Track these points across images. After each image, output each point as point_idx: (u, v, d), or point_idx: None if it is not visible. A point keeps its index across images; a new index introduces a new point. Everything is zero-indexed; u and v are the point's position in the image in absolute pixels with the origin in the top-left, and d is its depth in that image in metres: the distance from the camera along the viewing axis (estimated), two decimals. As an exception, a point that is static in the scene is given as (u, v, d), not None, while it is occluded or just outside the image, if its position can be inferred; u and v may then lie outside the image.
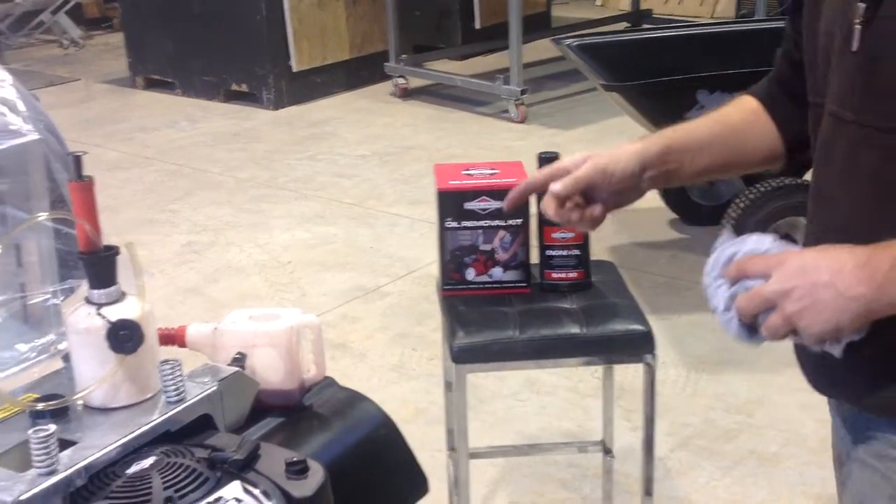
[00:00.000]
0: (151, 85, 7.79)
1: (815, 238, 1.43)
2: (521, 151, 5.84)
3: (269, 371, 1.74)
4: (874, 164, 1.32)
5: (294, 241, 4.93)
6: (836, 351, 1.26)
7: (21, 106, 1.64)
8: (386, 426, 1.80)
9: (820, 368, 1.44)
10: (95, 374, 1.55)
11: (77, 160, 1.55)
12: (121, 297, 1.57)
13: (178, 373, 1.58)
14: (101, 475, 1.44)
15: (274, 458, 1.49)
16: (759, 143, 1.67)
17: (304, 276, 4.46)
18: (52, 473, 1.40)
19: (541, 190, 1.59)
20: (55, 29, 9.55)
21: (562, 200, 1.56)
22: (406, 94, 7.30)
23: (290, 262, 4.65)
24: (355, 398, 1.83)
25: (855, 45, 1.34)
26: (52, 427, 1.41)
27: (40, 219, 1.59)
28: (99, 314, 1.54)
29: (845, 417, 1.48)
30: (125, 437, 1.49)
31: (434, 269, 2.77)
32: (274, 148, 6.44)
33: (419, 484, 1.80)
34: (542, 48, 7.18)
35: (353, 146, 6.36)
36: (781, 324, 1.28)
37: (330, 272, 4.55)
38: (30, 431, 1.41)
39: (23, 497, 1.36)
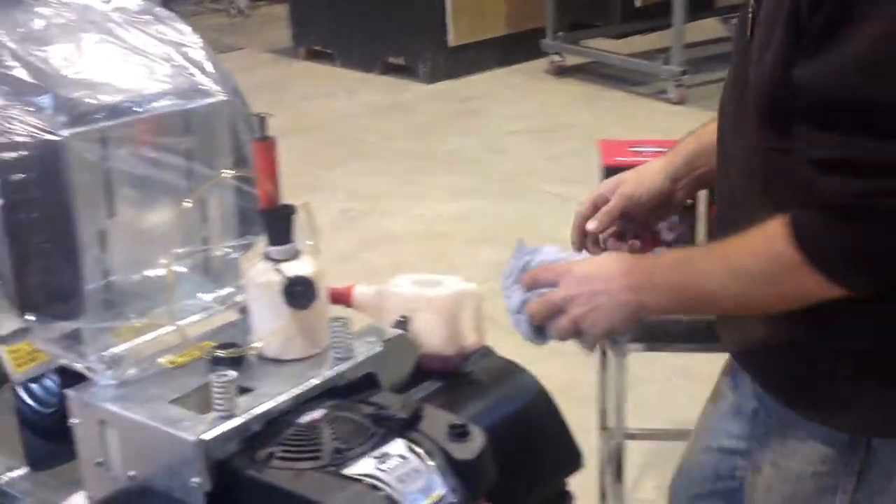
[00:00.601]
0: (312, 56, 7.99)
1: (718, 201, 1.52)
2: (677, 133, 5.72)
3: (430, 335, 1.78)
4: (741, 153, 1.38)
5: (447, 214, 4.99)
6: (617, 351, 1.39)
7: (209, 67, 1.72)
8: (542, 398, 1.81)
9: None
10: (270, 326, 1.62)
11: (262, 120, 1.62)
12: (296, 254, 1.63)
13: (346, 330, 1.64)
14: (275, 423, 1.51)
15: (436, 421, 1.53)
16: None
17: (455, 248, 4.52)
18: (230, 417, 1.47)
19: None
20: (222, -1, 9.90)
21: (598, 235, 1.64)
22: (561, 71, 7.26)
23: (442, 233, 4.72)
24: (512, 368, 1.85)
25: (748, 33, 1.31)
26: (233, 373, 1.49)
27: (226, 176, 1.67)
28: (276, 269, 1.60)
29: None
30: (297, 388, 1.56)
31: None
32: (428, 121, 6.52)
33: (573, 458, 1.81)
34: (702, 29, 7.01)
35: (507, 122, 6.38)
36: (568, 326, 1.49)
37: (481, 246, 4.59)
38: (212, 376, 1.48)
39: (204, 436, 1.43)
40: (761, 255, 1.25)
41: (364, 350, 1.65)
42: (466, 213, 4.98)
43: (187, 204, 1.61)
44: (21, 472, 2.22)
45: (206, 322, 1.76)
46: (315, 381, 1.57)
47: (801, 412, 1.33)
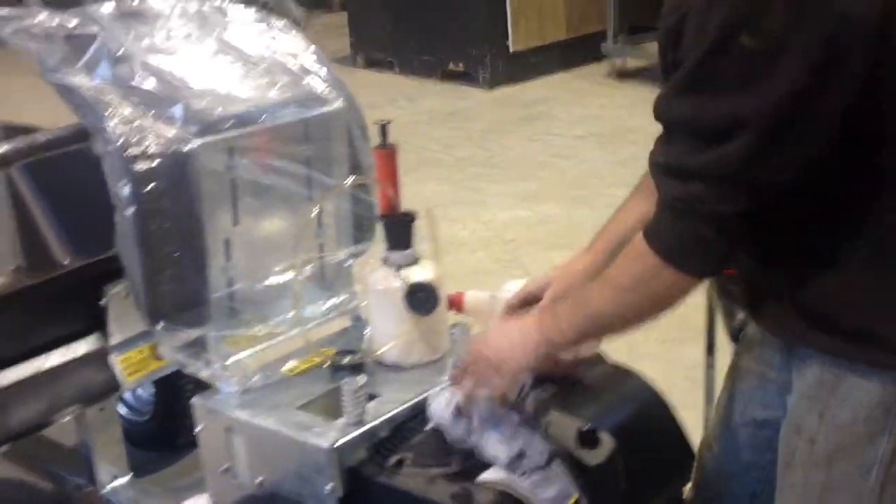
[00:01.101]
0: (371, 64, 8.01)
1: None
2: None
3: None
4: None
5: (515, 220, 4.96)
6: None
7: (325, 74, 1.73)
8: (657, 402, 1.79)
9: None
10: (391, 332, 1.62)
11: (384, 127, 1.63)
12: (416, 260, 1.64)
13: (469, 336, 1.64)
14: (402, 428, 1.51)
15: (564, 426, 1.52)
16: None
17: (527, 253, 4.50)
18: (360, 423, 1.48)
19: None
20: (278, 9, 9.97)
21: None
22: (623, 74, 7.21)
23: (512, 239, 4.70)
24: (625, 373, 1.84)
25: None
26: (363, 380, 1.49)
27: (348, 184, 1.67)
28: (397, 276, 1.61)
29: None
30: (421, 394, 1.56)
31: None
32: (489, 127, 6.51)
33: (689, 463, 1.79)
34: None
35: (569, 127, 6.35)
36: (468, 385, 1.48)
37: (551, 251, 4.56)
38: (342, 383, 1.49)
39: (337, 444, 1.44)
40: (628, 265, 1.37)
41: (484, 356, 1.64)
42: (534, 219, 4.96)
43: (315, 211, 1.62)
44: (124, 479, 2.26)
45: (320, 329, 1.77)
46: (438, 388, 1.57)
47: (854, 359, 1.35)
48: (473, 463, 1.44)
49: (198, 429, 1.62)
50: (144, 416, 2.63)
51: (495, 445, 1.42)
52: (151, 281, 1.51)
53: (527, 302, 1.60)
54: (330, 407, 1.53)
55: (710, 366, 2.58)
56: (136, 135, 1.47)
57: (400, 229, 1.62)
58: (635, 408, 1.78)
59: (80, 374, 1.97)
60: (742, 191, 1.25)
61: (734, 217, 1.26)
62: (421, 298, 1.58)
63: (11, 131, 2.30)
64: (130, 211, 1.47)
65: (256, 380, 1.61)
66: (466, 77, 7.74)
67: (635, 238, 1.36)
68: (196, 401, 1.61)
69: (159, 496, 2.18)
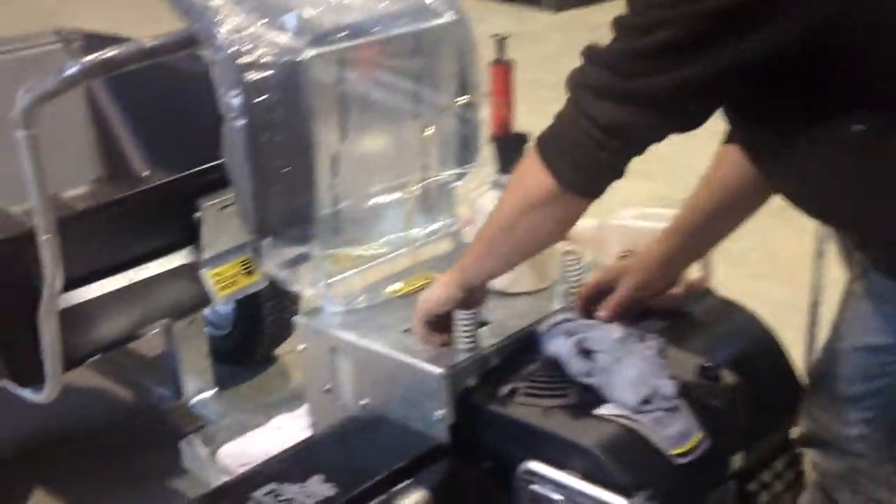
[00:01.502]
0: (434, -18, 7.87)
1: None
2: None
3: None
4: None
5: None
6: None
7: (434, -14, 1.65)
8: (768, 337, 1.73)
9: None
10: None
11: (501, 42, 1.55)
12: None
13: (580, 264, 1.58)
14: (514, 357, 1.47)
15: (685, 364, 1.47)
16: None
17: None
18: (472, 349, 1.43)
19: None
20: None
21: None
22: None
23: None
24: (735, 308, 1.77)
25: None
26: (475, 308, 1.44)
27: (459, 102, 1.61)
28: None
29: None
30: (532, 322, 1.51)
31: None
32: (556, 50, 6.36)
33: (798, 400, 1.73)
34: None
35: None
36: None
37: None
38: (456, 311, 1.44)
39: (450, 369, 1.39)
40: (517, 176, 1.33)
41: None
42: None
43: (424, 130, 1.56)
44: (210, 393, 2.25)
45: (423, 252, 1.72)
46: (551, 318, 1.52)
47: None
48: (590, 396, 1.39)
49: (300, 347, 1.59)
50: (223, 330, 2.61)
51: (623, 388, 1.36)
52: (260, 195, 1.46)
53: (601, 293, 1.53)
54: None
55: (816, 303, 2.46)
56: (248, 43, 1.40)
57: (513, 151, 1.56)
58: (747, 343, 1.72)
59: (172, 288, 1.94)
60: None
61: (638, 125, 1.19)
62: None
63: (101, 40, 2.25)
64: (241, 123, 1.42)
65: (361, 300, 1.57)
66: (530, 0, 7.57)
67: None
68: (299, 319, 1.57)
69: (246, 410, 2.16)
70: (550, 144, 1.26)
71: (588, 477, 1.32)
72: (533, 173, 1.26)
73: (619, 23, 1.22)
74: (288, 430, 1.87)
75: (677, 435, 1.36)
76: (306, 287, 1.57)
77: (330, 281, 1.57)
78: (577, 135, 1.21)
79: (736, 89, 1.21)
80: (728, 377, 1.45)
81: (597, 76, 1.21)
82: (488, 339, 1.47)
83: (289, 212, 1.50)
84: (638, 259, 1.52)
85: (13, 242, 1.70)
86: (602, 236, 1.75)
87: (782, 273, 3.11)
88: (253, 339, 2.57)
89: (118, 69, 1.51)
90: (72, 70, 1.51)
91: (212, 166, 1.80)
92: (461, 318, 1.42)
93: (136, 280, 1.87)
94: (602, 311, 1.49)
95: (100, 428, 2.43)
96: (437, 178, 1.69)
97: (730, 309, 1.76)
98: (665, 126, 1.22)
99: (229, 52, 1.40)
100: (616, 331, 1.43)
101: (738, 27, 1.13)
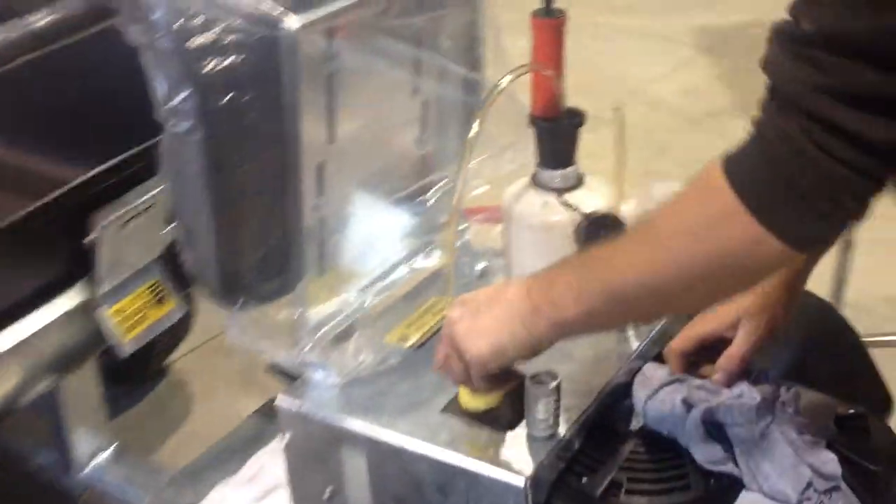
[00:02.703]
0: None
1: None
2: None
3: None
4: None
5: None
6: None
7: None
8: (849, 335, 1.40)
9: None
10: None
11: (549, -13, 1.10)
12: (580, 179, 1.16)
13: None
14: (594, 432, 1.07)
15: (818, 412, 1.10)
16: None
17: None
18: (553, 437, 1.01)
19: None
20: None
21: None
22: None
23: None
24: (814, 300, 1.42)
25: None
26: (555, 375, 1.01)
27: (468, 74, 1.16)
28: (565, 203, 1.12)
29: None
30: (609, 376, 1.10)
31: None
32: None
33: (884, 403, 1.41)
34: None
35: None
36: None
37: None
38: (528, 383, 1.02)
39: (533, 473, 0.98)
40: (692, 202, 0.86)
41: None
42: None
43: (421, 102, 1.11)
44: (108, 453, 1.74)
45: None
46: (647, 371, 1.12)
47: None
48: (719, 483, 1.01)
49: (284, 437, 1.13)
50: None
51: (778, 475, 0.99)
52: (228, 242, 0.99)
53: (703, 346, 1.11)
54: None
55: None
56: (201, 14, 0.91)
57: (560, 137, 1.13)
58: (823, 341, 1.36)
59: (59, 338, 1.43)
60: None
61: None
62: (604, 237, 1.10)
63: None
64: (195, 138, 0.93)
65: (364, 362, 1.12)
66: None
67: (707, 167, 0.85)
68: (282, 401, 1.11)
69: (163, 477, 1.68)
70: (762, 186, 0.80)
71: None
72: (732, 221, 0.82)
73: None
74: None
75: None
76: (290, 355, 1.11)
77: (319, 335, 1.12)
78: (813, 170, 0.78)
79: None
80: (878, 425, 1.10)
81: (843, 72, 0.75)
82: (565, 410, 1.05)
83: (267, 259, 1.03)
84: (757, 294, 1.11)
85: None
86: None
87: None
88: (144, 352, 2.06)
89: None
90: None
91: (109, 168, 1.31)
92: (542, 392, 1.00)
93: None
94: (720, 374, 1.09)
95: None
96: (434, 180, 1.24)
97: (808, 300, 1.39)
98: None
99: (173, 29, 0.90)
100: (749, 393, 1.05)
101: None
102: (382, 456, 1.06)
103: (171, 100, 0.93)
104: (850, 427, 1.08)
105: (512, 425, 1.04)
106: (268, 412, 1.72)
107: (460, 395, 1.06)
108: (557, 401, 1.01)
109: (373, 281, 1.20)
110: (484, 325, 0.96)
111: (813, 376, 1.20)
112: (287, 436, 1.13)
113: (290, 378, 1.67)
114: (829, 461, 1.01)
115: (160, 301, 1.53)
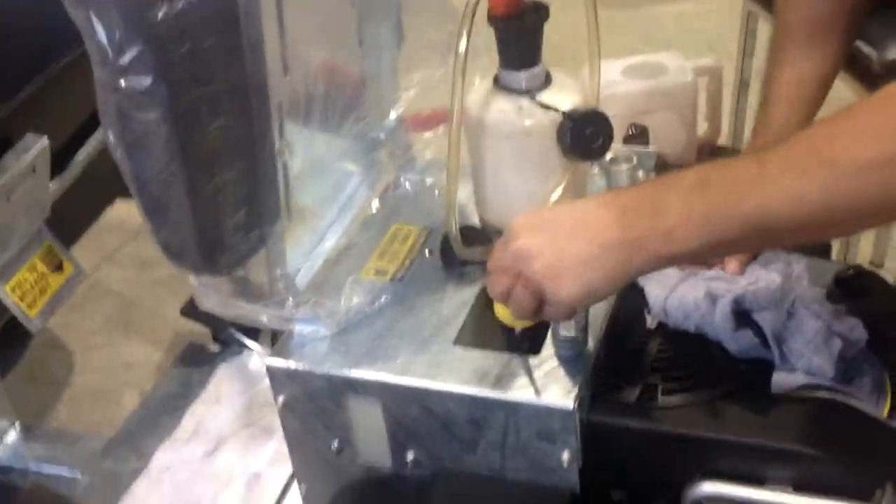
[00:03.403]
0: None
1: None
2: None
3: (666, 143, 1.30)
4: None
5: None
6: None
7: None
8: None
9: None
10: (535, 189, 1.07)
11: None
12: (548, 80, 1.07)
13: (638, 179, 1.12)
14: (619, 338, 1.02)
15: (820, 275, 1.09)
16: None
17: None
18: (585, 352, 0.96)
19: None
20: None
21: None
22: None
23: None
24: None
25: None
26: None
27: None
28: (542, 104, 1.04)
29: None
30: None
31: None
32: None
33: None
34: None
35: None
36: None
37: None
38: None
39: (578, 397, 0.92)
40: (882, 121, 0.75)
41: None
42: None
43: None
44: (14, 433, 1.58)
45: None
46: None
47: None
48: (754, 372, 0.99)
49: (279, 400, 1.03)
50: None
51: (812, 355, 0.97)
52: (207, 209, 0.86)
53: None
54: (491, 324, 1.00)
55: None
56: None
57: (528, 35, 1.04)
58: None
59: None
60: None
61: None
62: (591, 135, 1.03)
63: None
64: (157, 97, 0.79)
65: (355, 307, 1.03)
66: None
67: (887, 89, 0.76)
68: (273, 362, 1.01)
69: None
70: None
71: (805, 486, 0.94)
72: None
73: None
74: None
75: (872, 388, 1.01)
76: (276, 316, 1.00)
77: (304, 288, 1.01)
78: None
79: None
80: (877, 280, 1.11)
81: None
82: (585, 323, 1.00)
83: (246, 214, 0.91)
84: None
85: None
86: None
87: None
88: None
89: None
90: None
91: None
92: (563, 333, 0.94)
93: None
94: (733, 263, 1.05)
95: None
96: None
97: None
98: None
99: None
100: (766, 276, 1.02)
101: None
102: (402, 401, 0.98)
103: (122, 55, 0.77)
104: (849, 287, 1.08)
105: (533, 349, 0.99)
106: (187, 362, 1.61)
107: (499, 311, 0.97)
108: (586, 317, 0.96)
109: (335, 218, 1.10)
110: (570, 261, 0.84)
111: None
112: (282, 398, 1.03)
113: (206, 322, 1.57)
114: (855, 326, 1.00)
115: (59, 267, 1.36)
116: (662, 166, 1.23)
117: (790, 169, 0.78)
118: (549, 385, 0.94)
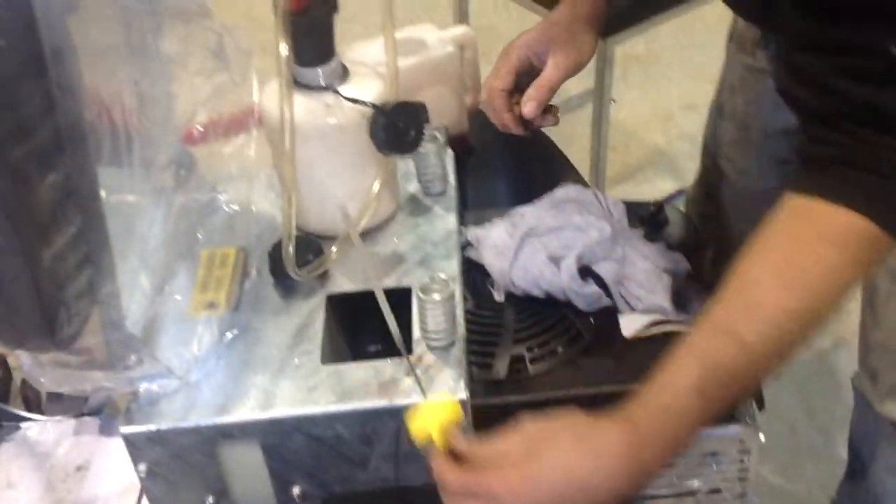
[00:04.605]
0: None
1: None
2: None
3: (442, 115, 1.30)
4: None
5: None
6: None
7: None
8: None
9: None
10: (351, 190, 1.04)
11: None
12: (346, 74, 1.04)
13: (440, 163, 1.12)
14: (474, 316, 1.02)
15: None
16: None
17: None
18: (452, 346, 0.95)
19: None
20: None
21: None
22: None
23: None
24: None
25: None
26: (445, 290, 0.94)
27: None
28: (350, 99, 1.00)
29: None
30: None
31: None
32: None
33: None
34: None
35: None
36: None
37: None
38: (421, 294, 0.92)
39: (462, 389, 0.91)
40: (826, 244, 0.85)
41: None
42: None
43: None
44: None
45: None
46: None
47: None
48: (594, 318, 1.03)
49: (144, 470, 0.93)
50: None
51: (647, 295, 1.01)
52: (43, 290, 0.76)
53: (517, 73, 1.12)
54: (340, 340, 0.97)
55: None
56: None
57: (320, 29, 0.99)
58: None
59: None
60: None
61: None
62: (403, 128, 1.01)
63: None
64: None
65: (202, 348, 0.95)
66: None
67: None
68: (131, 431, 0.91)
69: None
70: None
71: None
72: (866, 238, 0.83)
73: None
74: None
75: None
76: (113, 377, 0.90)
77: (147, 340, 0.92)
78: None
79: None
80: (673, 212, 1.18)
81: None
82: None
83: (89, 283, 0.81)
84: (564, 28, 1.12)
85: None
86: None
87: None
88: None
89: None
90: None
91: None
92: (438, 302, 0.92)
93: None
94: (530, 104, 1.10)
95: None
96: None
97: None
98: None
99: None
100: (596, 224, 1.05)
101: None
102: (284, 435, 0.92)
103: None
104: (654, 223, 1.15)
105: (405, 349, 0.96)
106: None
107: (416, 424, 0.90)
108: (454, 305, 0.95)
109: (140, 258, 1.00)
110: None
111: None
112: (143, 466, 0.93)
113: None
114: (679, 260, 1.07)
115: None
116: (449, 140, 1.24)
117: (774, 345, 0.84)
118: (433, 381, 0.93)
